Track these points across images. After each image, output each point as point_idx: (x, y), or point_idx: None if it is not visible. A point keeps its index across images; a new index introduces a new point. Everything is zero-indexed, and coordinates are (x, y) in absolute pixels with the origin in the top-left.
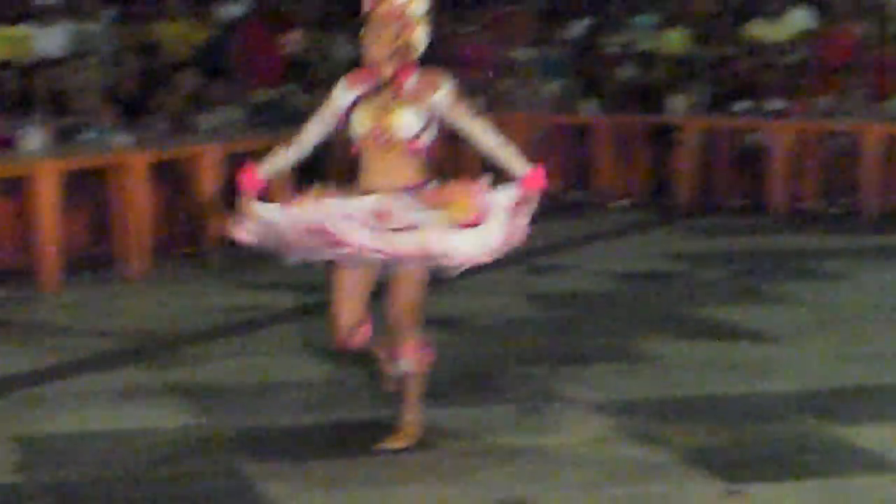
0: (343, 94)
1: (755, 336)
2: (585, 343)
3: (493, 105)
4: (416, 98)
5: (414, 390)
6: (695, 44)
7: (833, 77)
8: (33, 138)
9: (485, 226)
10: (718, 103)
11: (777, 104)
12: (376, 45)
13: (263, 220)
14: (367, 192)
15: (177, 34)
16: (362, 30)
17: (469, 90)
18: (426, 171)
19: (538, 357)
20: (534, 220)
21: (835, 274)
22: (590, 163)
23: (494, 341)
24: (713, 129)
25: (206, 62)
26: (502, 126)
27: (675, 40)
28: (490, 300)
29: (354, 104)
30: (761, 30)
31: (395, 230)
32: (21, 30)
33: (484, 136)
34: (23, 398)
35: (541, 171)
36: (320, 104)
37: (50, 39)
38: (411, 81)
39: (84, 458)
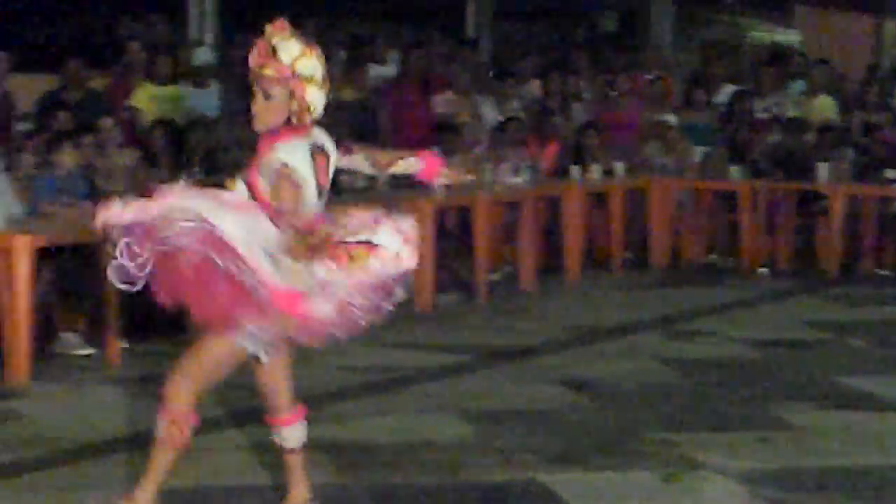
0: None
1: None
2: (725, 410)
3: (638, 169)
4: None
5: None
6: (843, 111)
7: None
8: None
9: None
10: (866, 171)
11: None
12: (266, 113)
13: None
14: None
15: None
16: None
17: (615, 154)
18: None
19: (677, 423)
20: (677, 285)
21: None
22: (735, 229)
23: (633, 406)
24: (860, 197)
25: (356, 123)
26: (647, 191)
27: (824, 107)
28: (629, 365)
29: None
30: None
31: None
32: (175, 89)
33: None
34: None
35: (434, 159)
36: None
37: (203, 99)
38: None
39: None
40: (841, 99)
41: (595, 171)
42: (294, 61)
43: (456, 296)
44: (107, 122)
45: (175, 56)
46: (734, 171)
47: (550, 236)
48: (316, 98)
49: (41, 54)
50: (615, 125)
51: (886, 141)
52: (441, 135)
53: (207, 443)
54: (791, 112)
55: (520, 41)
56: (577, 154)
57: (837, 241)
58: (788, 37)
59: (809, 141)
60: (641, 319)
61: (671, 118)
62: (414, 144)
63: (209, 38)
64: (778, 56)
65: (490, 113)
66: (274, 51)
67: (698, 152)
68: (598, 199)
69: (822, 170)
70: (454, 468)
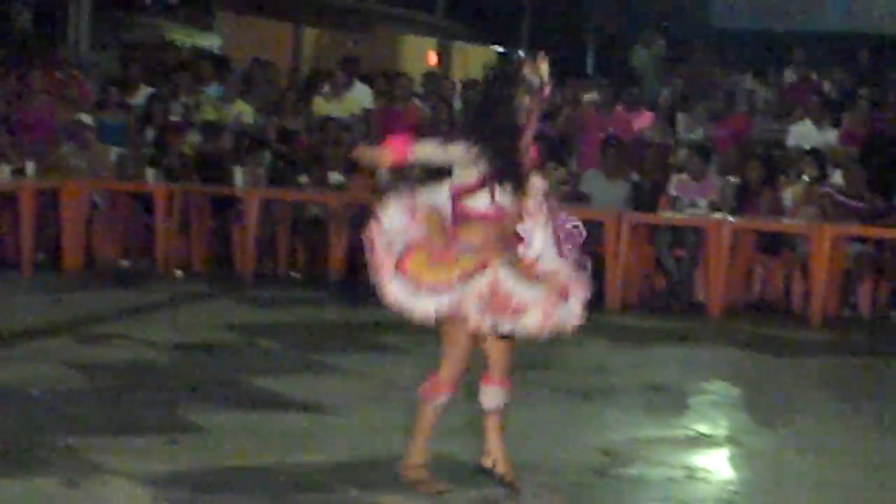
0: None
1: (307, 407)
2: (134, 414)
3: (52, 169)
4: None
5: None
6: (259, 114)
7: None
8: None
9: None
10: (282, 176)
11: (337, 178)
12: None
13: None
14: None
15: None
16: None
17: (27, 153)
18: None
19: (83, 429)
20: (90, 289)
21: (393, 347)
22: (151, 231)
23: (38, 412)
24: (275, 201)
25: None
26: (60, 191)
27: (241, 111)
28: (36, 370)
29: None
30: (324, 107)
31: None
32: None
33: None
34: None
35: None
36: None
37: None
38: None
39: None
40: (258, 103)
41: (5, 171)
42: None
43: None
44: None
45: None
46: (150, 173)
47: None
48: None
49: None
50: (27, 123)
51: (302, 146)
52: None
53: None
54: (208, 115)
55: None
56: None
57: (251, 245)
58: (209, 41)
59: (226, 145)
60: (51, 323)
61: (86, 118)
62: None
63: None
64: (196, 60)
65: None
66: None
67: (114, 153)
68: (9, 200)
69: (238, 174)
70: None
